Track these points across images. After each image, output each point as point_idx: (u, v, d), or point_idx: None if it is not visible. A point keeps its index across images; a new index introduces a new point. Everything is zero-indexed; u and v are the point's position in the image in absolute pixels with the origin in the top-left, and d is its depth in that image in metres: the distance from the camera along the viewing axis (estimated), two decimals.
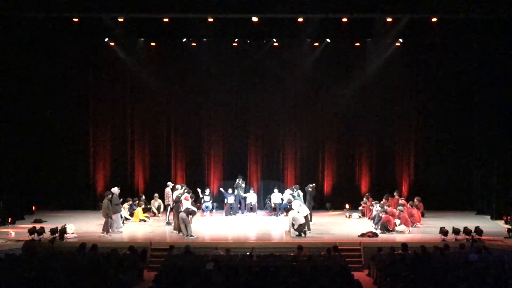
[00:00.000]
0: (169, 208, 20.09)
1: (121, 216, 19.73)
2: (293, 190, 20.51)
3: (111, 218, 18.42)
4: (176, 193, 19.22)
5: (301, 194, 20.38)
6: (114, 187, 19.55)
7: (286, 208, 18.80)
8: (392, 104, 23.94)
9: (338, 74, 23.75)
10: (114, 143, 24.15)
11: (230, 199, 22.29)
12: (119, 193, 19.33)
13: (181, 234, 18.09)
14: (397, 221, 18.74)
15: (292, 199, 19.20)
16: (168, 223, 19.99)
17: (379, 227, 18.75)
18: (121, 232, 18.79)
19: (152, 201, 22.32)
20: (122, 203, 20.00)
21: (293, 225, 17.78)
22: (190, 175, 23.95)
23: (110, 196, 18.49)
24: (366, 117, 24.07)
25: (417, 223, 19.70)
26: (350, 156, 24.32)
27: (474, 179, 23.14)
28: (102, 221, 20.42)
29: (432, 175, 23.67)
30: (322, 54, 23.28)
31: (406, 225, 18.65)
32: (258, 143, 24.28)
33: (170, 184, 20.67)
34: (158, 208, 22.18)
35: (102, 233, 18.24)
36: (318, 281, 12.31)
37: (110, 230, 18.29)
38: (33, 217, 21.05)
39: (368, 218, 20.55)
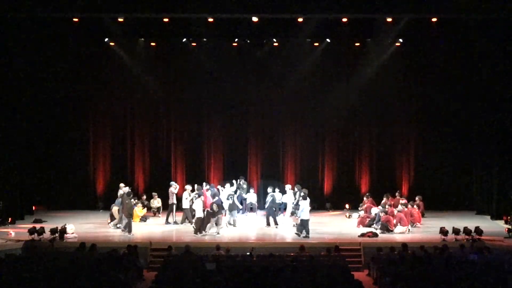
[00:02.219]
0: (174, 207, 20.02)
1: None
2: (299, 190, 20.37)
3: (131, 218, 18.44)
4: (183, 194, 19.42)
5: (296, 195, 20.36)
6: (123, 186, 19.65)
7: (303, 195, 18.84)
8: (392, 104, 23.95)
9: (338, 74, 23.75)
10: (114, 143, 24.16)
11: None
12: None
13: (198, 234, 18.10)
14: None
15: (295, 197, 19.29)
16: (173, 223, 19.95)
17: (379, 227, 18.76)
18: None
19: (152, 200, 22.28)
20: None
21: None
22: (190, 175, 23.94)
23: (131, 195, 18.55)
24: (366, 117, 24.09)
25: (417, 223, 19.71)
26: (350, 156, 24.34)
27: (474, 179, 23.15)
28: (101, 220, 20.61)
29: (432, 175, 23.67)
30: (322, 54, 23.29)
31: (402, 224, 18.62)
32: (258, 143, 24.29)
33: (173, 183, 20.67)
34: (158, 208, 22.15)
35: (123, 231, 18.26)
36: (318, 281, 12.32)
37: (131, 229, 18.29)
38: (33, 217, 21.05)
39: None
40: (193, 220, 18.84)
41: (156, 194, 22.27)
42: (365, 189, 23.66)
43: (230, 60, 23.49)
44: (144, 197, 22.26)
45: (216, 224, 18.44)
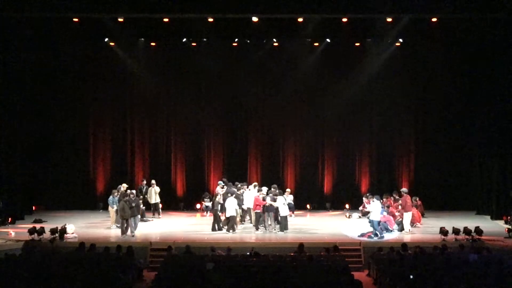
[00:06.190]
0: (219, 206, 19.82)
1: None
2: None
3: (127, 220, 18.30)
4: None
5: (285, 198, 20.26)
6: (121, 185, 19.80)
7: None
8: (392, 104, 23.92)
9: (338, 74, 23.75)
10: (114, 143, 24.16)
11: None
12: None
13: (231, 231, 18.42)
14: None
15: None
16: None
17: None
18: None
19: (150, 188, 21.77)
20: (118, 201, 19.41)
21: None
22: (190, 175, 23.98)
23: (127, 198, 18.56)
24: (366, 117, 24.09)
25: (417, 223, 19.70)
26: (350, 156, 24.33)
27: (474, 179, 23.14)
28: (101, 220, 20.65)
29: (432, 175, 23.66)
30: (322, 54, 23.29)
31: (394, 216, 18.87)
32: (258, 142, 24.29)
33: (220, 183, 20.58)
34: (155, 205, 21.70)
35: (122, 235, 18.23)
36: (318, 281, 12.32)
37: (127, 231, 18.16)
38: (33, 217, 21.05)
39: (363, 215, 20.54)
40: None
41: (154, 181, 21.78)
42: (365, 189, 23.66)
43: (230, 60, 23.50)
44: (145, 182, 22.08)
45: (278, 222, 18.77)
